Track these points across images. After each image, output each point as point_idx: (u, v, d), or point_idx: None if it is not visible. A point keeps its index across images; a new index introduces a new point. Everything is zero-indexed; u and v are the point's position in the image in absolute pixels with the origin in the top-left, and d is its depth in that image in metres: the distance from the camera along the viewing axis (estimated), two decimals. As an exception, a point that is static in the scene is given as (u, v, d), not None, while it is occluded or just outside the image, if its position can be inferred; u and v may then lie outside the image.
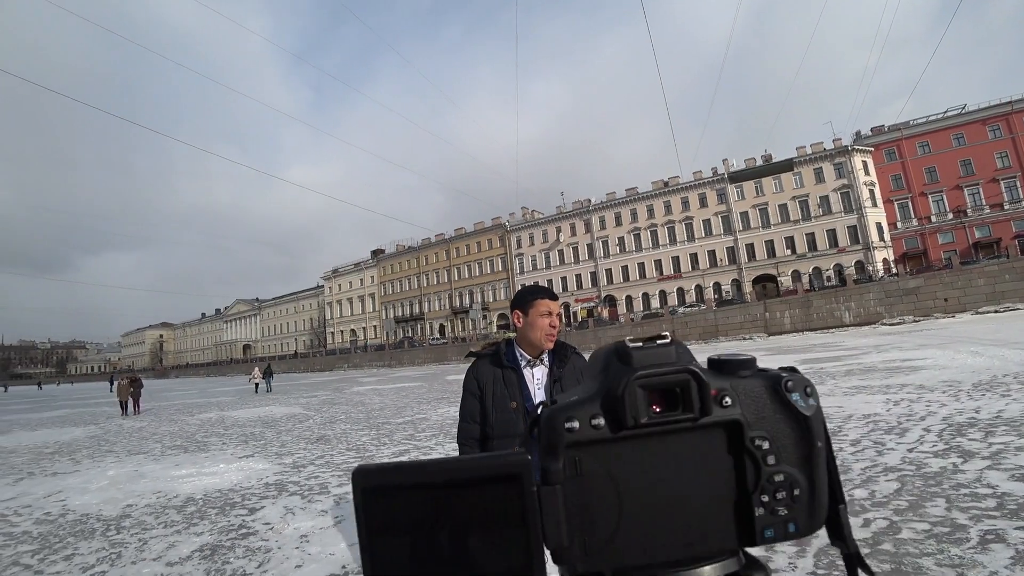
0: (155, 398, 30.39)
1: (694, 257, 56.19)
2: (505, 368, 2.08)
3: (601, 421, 0.40)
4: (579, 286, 63.24)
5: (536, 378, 2.08)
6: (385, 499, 0.37)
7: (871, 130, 53.06)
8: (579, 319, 59.37)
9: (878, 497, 3.99)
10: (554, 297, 2.12)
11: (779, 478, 0.41)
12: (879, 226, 48.85)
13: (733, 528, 0.42)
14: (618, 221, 61.07)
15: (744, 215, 54.11)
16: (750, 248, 53.56)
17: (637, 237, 59.62)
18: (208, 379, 74.63)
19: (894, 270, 43.90)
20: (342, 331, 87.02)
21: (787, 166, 52.22)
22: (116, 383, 21.10)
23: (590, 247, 62.67)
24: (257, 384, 29.68)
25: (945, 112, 49.88)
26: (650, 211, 59.16)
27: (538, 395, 2.05)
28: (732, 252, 54.20)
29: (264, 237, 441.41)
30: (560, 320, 2.11)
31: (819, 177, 50.64)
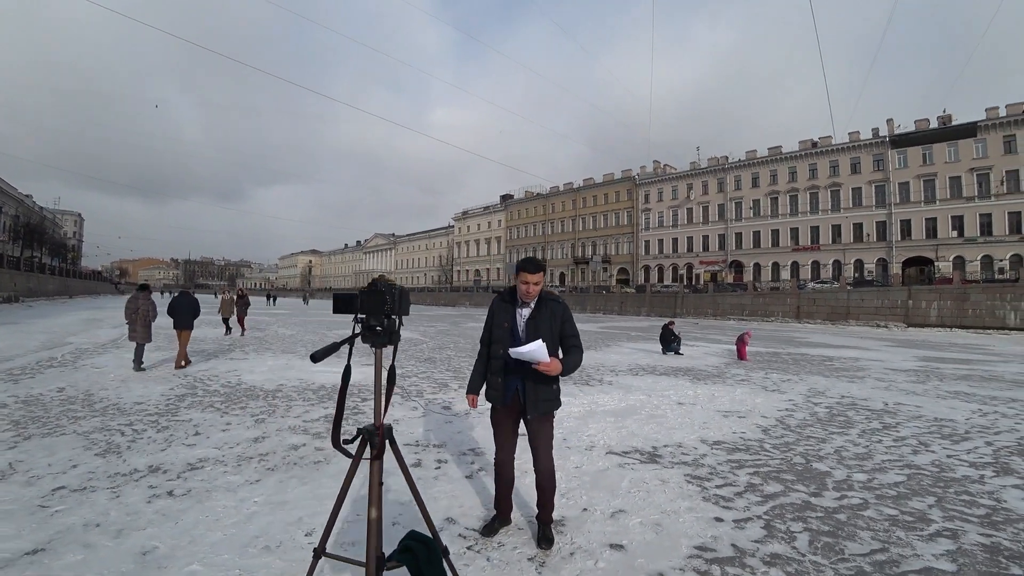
0: (306, 314, 36.88)
1: (836, 229, 51.53)
2: (506, 303, 3.28)
3: None
4: (705, 248, 61.02)
5: (522, 315, 3.21)
6: None
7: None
8: (701, 282, 57.57)
9: (873, 484, 4.34)
10: (533, 270, 3.10)
11: None
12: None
13: None
14: (755, 182, 57.36)
15: (904, 186, 47.92)
16: (906, 225, 47.73)
17: (775, 201, 55.71)
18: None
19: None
20: (467, 270, 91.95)
21: (969, 131, 44.66)
22: (220, 297, 17.34)
23: (721, 207, 59.79)
24: None
25: None
26: (792, 174, 54.76)
27: (520, 325, 3.19)
28: (883, 227, 48.77)
29: (408, 177, 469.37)
30: (537, 287, 3.12)
31: (1010, 147, 42.83)
